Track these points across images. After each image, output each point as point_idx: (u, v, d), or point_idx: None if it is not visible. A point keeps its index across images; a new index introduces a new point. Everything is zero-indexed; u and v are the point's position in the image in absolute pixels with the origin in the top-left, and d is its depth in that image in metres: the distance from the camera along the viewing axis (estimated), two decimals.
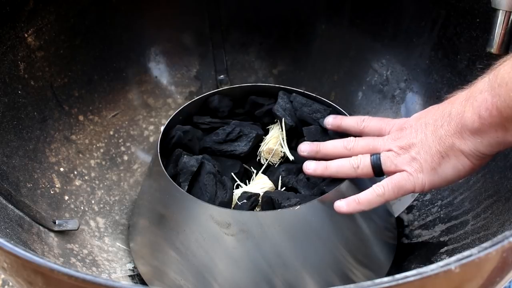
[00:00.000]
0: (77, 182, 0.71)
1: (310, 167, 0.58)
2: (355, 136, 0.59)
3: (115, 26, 0.78)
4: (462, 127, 0.48)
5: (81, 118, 0.76)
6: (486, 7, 0.64)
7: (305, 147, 0.60)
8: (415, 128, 0.53)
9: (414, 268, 0.32)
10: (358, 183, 0.57)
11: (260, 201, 0.58)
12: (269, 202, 0.57)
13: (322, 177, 0.59)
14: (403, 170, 0.52)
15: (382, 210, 0.62)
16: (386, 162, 0.53)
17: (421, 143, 0.51)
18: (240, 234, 0.52)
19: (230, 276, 0.54)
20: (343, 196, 0.54)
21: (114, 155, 0.77)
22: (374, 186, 0.53)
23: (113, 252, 0.66)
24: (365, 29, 0.81)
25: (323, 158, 0.58)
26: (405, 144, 0.53)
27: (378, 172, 0.54)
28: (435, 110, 0.52)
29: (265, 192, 0.59)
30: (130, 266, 0.65)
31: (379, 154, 0.54)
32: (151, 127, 0.82)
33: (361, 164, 0.54)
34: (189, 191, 0.58)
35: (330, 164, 0.57)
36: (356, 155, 0.56)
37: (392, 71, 0.80)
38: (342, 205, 0.53)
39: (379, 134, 0.57)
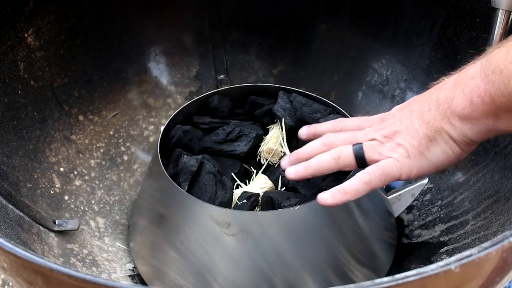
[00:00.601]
0: (77, 182, 0.71)
1: (290, 172, 0.54)
2: None
3: (115, 26, 0.79)
4: (451, 112, 0.46)
5: (81, 118, 0.76)
6: (486, 7, 0.64)
7: (285, 161, 0.57)
8: (399, 117, 0.51)
9: (414, 268, 0.32)
10: None
11: (260, 201, 0.58)
12: (269, 202, 0.57)
13: (309, 178, 0.56)
14: (388, 158, 0.50)
15: (382, 210, 0.62)
16: (370, 151, 0.51)
17: (407, 129, 0.50)
18: (240, 234, 0.52)
19: (230, 276, 0.54)
20: None
21: (114, 155, 0.77)
22: (359, 173, 0.50)
23: (113, 252, 0.66)
24: (365, 29, 0.81)
25: None
26: (389, 133, 0.50)
27: (361, 162, 0.51)
28: (420, 98, 0.51)
29: (265, 192, 0.59)
30: (130, 266, 0.65)
31: (362, 143, 0.52)
32: (151, 127, 0.82)
33: (343, 155, 0.51)
34: (189, 191, 0.58)
35: (310, 162, 0.53)
36: None
37: (392, 71, 0.80)
38: (327, 197, 0.49)
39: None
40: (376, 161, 0.50)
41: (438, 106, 0.48)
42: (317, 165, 0.53)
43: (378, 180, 0.49)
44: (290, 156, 0.57)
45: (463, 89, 0.46)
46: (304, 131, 0.60)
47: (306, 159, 0.55)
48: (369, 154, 0.51)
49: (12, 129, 0.64)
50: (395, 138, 0.50)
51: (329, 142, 0.54)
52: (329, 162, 0.52)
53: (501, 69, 0.42)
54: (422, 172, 0.50)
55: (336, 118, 0.63)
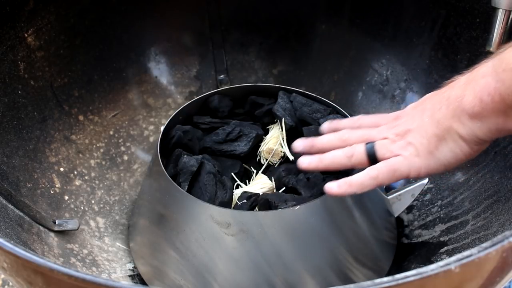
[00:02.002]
0: (77, 182, 0.71)
1: (304, 161, 0.56)
2: None
3: (115, 26, 0.78)
4: (461, 110, 0.46)
5: (81, 118, 0.76)
6: (486, 7, 0.64)
7: (299, 143, 0.58)
8: (411, 116, 0.52)
9: (414, 268, 0.32)
10: None
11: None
12: (266, 204, 0.56)
13: (319, 171, 0.57)
14: (397, 155, 0.50)
15: (382, 210, 0.62)
16: (381, 149, 0.52)
17: (418, 128, 0.50)
18: (240, 234, 0.52)
19: (230, 276, 0.54)
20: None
21: (114, 155, 0.77)
22: (367, 168, 0.51)
23: (113, 252, 0.66)
24: (365, 29, 0.81)
25: (318, 153, 0.56)
26: (401, 131, 0.51)
27: (373, 160, 0.52)
28: (433, 96, 0.52)
29: (263, 194, 0.58)
30: (130, 266, 0.65)
31: (374, 142, 0.52)
32: (151, 127, 0.82)
33: (356, 153, 0.53)
34: (189, 191, 0.58)
35: (324, 156, 0.55)
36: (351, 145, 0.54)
37: (392, 71, 0.80)
38: (333, 186, 0.51)
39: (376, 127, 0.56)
40: (387, 159, 0.51)
41: (448, 105, 0.48)
42: (331, 159, 0.54)
43: (385, 175, 0.50)
44: (305, 140, 0.58)
45: (473, 87, 0.46)
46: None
47: (320, 150, 0.56)
48: (380, 152, 0.52)
49: (12, 129, 0.64)
50: (406, 136, 0.51)
51: (344, 138, 0.56)
52: (342, 159, 0.53)
53: None
54: (430, 170, 0.50)
55: (336, 118, 0.63)
